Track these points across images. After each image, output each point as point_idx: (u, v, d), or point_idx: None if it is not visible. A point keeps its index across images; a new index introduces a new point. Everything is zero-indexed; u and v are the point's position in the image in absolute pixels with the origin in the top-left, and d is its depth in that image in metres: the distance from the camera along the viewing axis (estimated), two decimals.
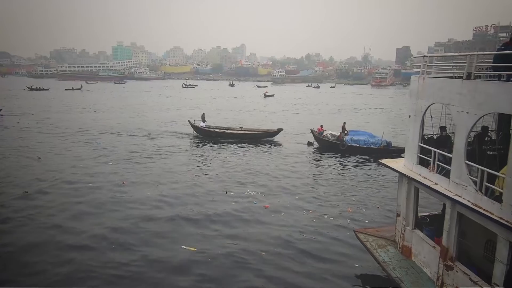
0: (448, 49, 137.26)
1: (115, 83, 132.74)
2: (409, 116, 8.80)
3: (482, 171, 6.37)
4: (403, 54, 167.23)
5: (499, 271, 6.01)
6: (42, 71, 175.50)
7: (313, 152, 24.64)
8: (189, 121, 29.79)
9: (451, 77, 7.68)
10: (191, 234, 11.82)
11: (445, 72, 8.53)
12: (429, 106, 8.11)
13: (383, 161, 9.69)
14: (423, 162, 8.24)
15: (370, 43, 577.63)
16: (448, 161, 7.42)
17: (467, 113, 6.78)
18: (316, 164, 21.79)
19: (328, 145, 24.72)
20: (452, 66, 8.18)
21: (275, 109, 51.22)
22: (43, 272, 9.61)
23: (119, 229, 12.09)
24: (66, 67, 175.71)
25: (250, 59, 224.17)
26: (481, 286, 6.46)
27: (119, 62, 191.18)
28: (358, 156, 22.84)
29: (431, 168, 7.86)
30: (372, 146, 23.52)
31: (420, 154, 8.30)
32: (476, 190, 6.50)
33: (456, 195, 6.94)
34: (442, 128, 8.46)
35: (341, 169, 20.72)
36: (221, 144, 26.22)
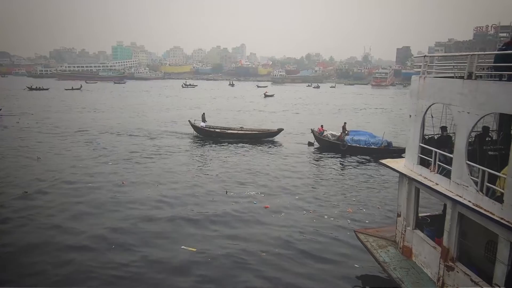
0: (448, 49, 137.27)
1: (115, 83, 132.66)
2: (410, 116, 8.78)
3: (483, 171, 6.35)
4: (404, 54, 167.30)
5: (500, 272, 5.99)
6: (42, 71, 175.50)
7: (314, 152, 24.62)
8: (189, 121, 29.77)
9: (452, 77, 7.65)
10: (191, 235, 11.80)
11: (445, 72, 8.50)
12: (429, 106, 8.09)
13: (384, 161, 9.66)
14: (423, 162, 8.21)
15: (370, 43, 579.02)
16: (449, 161, 7.39)
17: (468, 113, 6.75)
18: (316, 164, 21.77)
19: (329, 145, 24.69)
20: (453, 66, 8.15)
21: (275, 109, 51.19)
22: (42, 272, 9.58)
23: (119, 229, 12.07)
24: (65, 67, 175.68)
25: (250, 59, 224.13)
26: (482, 286, 6.43)
27: (119, 62, 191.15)
28: (359, 156, 22.82)
29: (431, 168, 7.83)
30: (372, 146, 23.49)
31: (421, 154, 8.28)
32: (477, 191, 6.48)
33: (457, 195, 6.92)
34: (443, 128, 8.44)
35: (342, 169, 20.69)
36: (221, 144, 26.20)
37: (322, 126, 26.39)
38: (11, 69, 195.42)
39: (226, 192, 15.80)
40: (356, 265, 10.11)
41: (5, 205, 13.89)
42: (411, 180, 8.43)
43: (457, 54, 8.33)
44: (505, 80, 6.49)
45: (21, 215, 13.00)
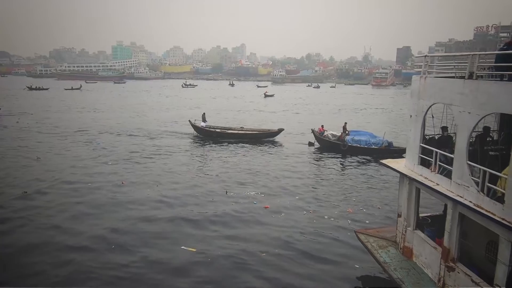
0: (449, 49, 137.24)
1: (115, 82, 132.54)
2: (410, 116, 8.76)
3: (484, 171, 6.33)
4: (404, 54, 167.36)
5: (501, 272, 5.97)
6: (42, 70, 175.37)
7: (314, 152, 24.59)
8: (189, 121, 29.75)
9: (453, 77, 7.63)
10: (191, 235, 11.77)
11: (446, 72, 8.49)
12: (430, 106, 8.08)
13: (384, 161, 9.65)
14: (424, 163, 8.19)
15: (370, 43, 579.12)
16: (449, 161, 7.38)
17: (469, 113, 6.73)
18: (316, 164, 21.74)
19: (329, 145, 24.67)
20: (454, 66, 8.13)
21: (275, 109, 51.16)
22: (42, 273, 9.57)
23: (119, 229, 12.04)
24: (65, 66, 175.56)
25: (250, 59, 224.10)
26: (483, 287, 6.41)
27: (118, 62, 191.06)
28: (359, 156, 22.80)
29: (432, 169, 7.82)
30: (373, 147, 23.47)
31: (422, 154, 8.26)
32: (478, 191, 6.46)
33: (458, 195, 6.90)
34: (444, 128, 8.42)
35: (342, 170, 20.67)
36: (221, 144, 26.18)
37: (322, 126, 26.37)
38: (10, 68, 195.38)
39: (226, 192, 15.78)
40: (357, 266, 10.09)
41: (4, 205, 13.86)
42: (411, 180, 8.41)
43: (457, 54, 8.30)
44: (506, 80, 6.47)
45: (20, 215, 12.98)
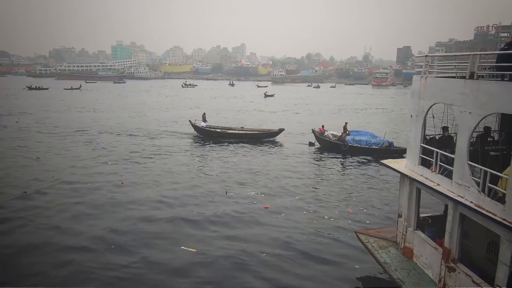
0: (449, 49, 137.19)
1: (115, 82, 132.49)
2: (411, 116, 8.74)
3: (485, 171, 6.31)
4: (404, 54, 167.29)
5: (502, 273, 5.95)
6: (41, 70, 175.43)
7: (314, 153, 24.58)
8: (189, 121, 29.74)
9: (454, 77, 7.61)
10: (191, 235, 11.75)
11: (447, 72, 8.46)
12: (431, 106, 8.06)
13: (385, 161, 9.62)
14: (425, 163, 8.17)
15: (370, 43, 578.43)
16: (450, 161, 7.35)
17: (470, 113, 6.71)
18: (317, 165, 21.72)
19: (330, 146, 24.65)
20: (454, 66, 8.11)
21: (275, 109, 51.15)
22: (42, 273, 9.54)
23: (119, 230, 12.02)
24: (65, 66, 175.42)
25: (250, 59, 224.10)
26: None
27: (118, 62, 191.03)
28: (360, 156, 22.78)
29: (433, 169, 7.79)
30: (374, 147, 23.45)
31: (422, 154, 8.24)
32: (479, 191, 6.44)
33: (459, 196, 6.88)
34: (444, 129, 8.40)
35: (342, 170, 20.65)
36: (221, 144, 26.16)
37: (323, 126, 26.35)
38: (10, 68, 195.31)
39: (226, 192, 15.75)
40: (357, 266, 10.07)
41: (4, 205, 13.84)
42: (412, 180, 8.39)
43: (458, 54, 8.28)
44: (507, 80, 6.44)
45: (20, 215, 12.96)
